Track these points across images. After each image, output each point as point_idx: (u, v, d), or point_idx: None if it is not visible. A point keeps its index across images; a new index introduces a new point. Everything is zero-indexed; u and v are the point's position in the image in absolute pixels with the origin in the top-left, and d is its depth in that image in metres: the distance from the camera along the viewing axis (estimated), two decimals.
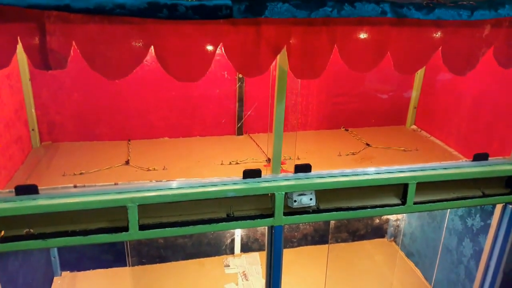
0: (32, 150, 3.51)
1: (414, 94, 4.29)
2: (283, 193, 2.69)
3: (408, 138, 4.06)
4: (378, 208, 2.92)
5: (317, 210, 2.83)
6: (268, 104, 3.98)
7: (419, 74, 4.20)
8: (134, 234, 2.52)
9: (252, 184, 2.66)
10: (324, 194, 2.83)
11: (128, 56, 2.11)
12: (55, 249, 4.16)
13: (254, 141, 3.85)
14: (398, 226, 4.90)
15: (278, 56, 2.35)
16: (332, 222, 4.06)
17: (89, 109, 3.65)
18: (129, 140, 3.77)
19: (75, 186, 2.50)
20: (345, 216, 2.90)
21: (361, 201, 2.91)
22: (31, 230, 2.45)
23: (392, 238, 4.99)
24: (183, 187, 2.55)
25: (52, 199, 2.37)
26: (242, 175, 2.67)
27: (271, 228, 2.79)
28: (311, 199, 2.76)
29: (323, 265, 4.45)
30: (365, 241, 4.99)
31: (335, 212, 2.84)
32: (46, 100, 3.53)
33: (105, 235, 2.50)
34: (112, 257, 4.31)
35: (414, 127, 4.36)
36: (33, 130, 3.51)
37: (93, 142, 3.72)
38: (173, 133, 3.91)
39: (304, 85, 4.05)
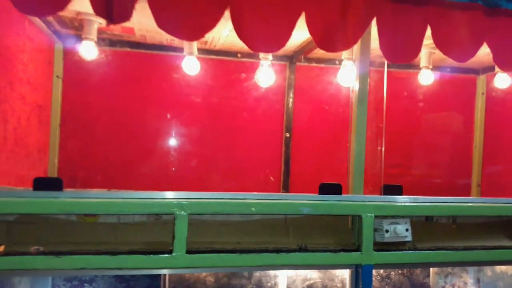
0: None
1: (476, 169, 3.86)
2: (373, 215, 2.06)
3: None
4: (493, 250, 2.22)
5: (413, 248, 2.16)
6: (314, 165, 3.57)
7: (478, 147, 3.85)
8: (179, 259, 1.83)
9: (332, 202, 2.07)
10: (418, 228, 2.20)
11: (201, 15, 1.84)
12: None
13: None
14: None
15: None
16: (432, 272, 3.11)
17: (117, 164, 3.20)
18: None
19: (108, 190, 1.93)
20: (452, 259, 2.18)
21: (468, 241, 2.25)
22: (41, 248, 1.80)
23: None
24: (248, 198, 1.97)
25: (79, 198, 1.79)
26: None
27: (356, 268, 2.08)
28: (407, 229, 2.12)
29: None
30: None
31: (439, 252, 2.15)
32: (71, 151, 3.12)
33: (139, 257, 1.81)
34: None
35: None
36: None
37: None
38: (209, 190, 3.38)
39: None
